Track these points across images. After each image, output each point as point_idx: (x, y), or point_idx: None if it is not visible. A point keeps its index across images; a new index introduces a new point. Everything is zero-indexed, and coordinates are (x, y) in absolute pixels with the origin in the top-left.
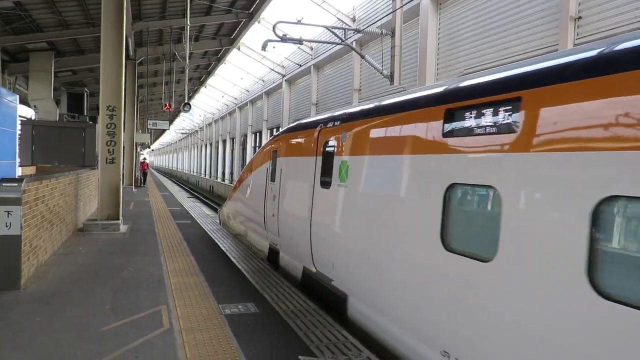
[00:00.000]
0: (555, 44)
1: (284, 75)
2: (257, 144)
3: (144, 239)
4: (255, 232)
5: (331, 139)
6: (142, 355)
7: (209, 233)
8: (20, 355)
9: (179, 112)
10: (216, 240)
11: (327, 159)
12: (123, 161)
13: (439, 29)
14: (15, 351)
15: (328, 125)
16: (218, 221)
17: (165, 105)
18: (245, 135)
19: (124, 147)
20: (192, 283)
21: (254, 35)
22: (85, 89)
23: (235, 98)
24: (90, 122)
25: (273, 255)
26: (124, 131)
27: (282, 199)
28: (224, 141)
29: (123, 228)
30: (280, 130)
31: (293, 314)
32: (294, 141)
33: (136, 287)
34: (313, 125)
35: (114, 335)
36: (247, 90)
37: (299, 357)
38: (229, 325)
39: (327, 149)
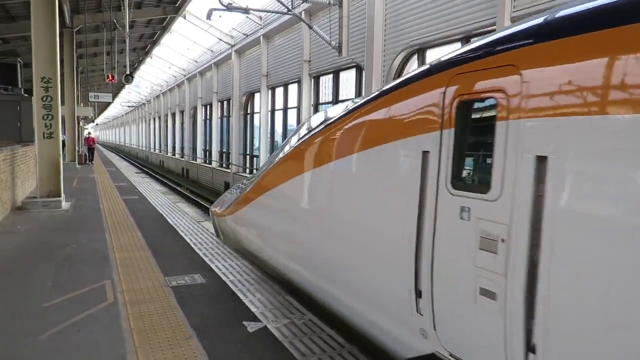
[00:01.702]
0: (494, 16)
1: (232, 46)
2: (207, 117)
3: (88, 216)
4: (359, 300)
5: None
6: (85, 328)
7: (158, 208)
8: None
9: (124, 84)
10: (165, 215)
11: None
12: (64, 136)
13: None
14: None
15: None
16: (216, 233)
17: (108, 77)
18: (195, 108)
19: (64, 121)
20: (138, 257)
21: (200, 2)
22: (19, 59)
23: (184, 69)
24: (26, 95)
25: None
26: (63, 104)
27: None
28: (173, 114)
29: (65, 205)
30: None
31: (240, 283)
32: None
33: (80, 263)
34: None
35: (56, 310)
36: (196, 61)
37: (243, 322)
38: (175, 296)
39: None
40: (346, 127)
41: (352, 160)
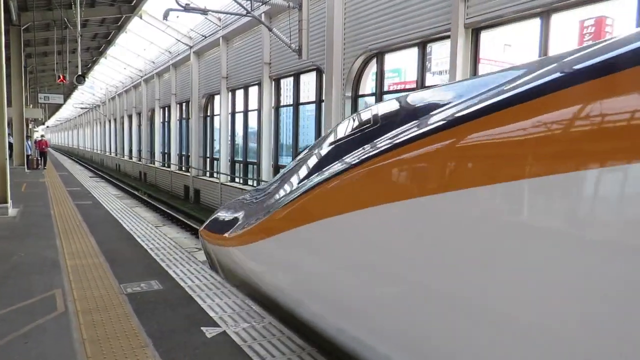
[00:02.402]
0: (449, 23)
1: (191, 47)
2: (166, 119)
3: (38, 222)
4: None
5: None
6: (33, 340)
7: (113, 213)
8: None
9: (76, 85)
10: (120, 221)
11: None
12: (11, 139)
13: (345, 3)
14: None
15: None
16: (209, 264)
17: (59, 78)
18: (153, 110)
19: (11, 123)
20: (91, 264)
21: (157, 2)
22: None
23: (140, 70)
24: None
25: None
26: (9, 105)
27: None
28: (130, 116)
29: (12, 212)
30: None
31: (198, 288)
32: None
33: (27, 272)
34: None
35: (1, 322)
36: (153, 62)
37: (202, 328)
38: (130, 304)
39: None
40: (488, 139)
41: (519, 188)
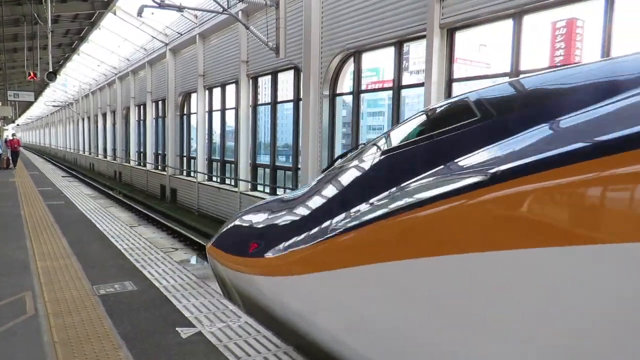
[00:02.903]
0: (424, 23)
1: (167, 44)
2: (141, 117)
3: (6, 223)
4: None
5: None
6: (1, 344)
7: (86, 213)
8: None
9: (48, 82)
10: (94, 221)
11: None
12: None
13: (322, 2)
14: None
15: None
16: (223, 292)
17: (30, 75)
18: (128, 108)
19: None
20: (62, 266)
21: None
22: None
23: (115, 67)
24: None
25: None
26: None
27: None
28: (104, 114)
29: None
30: None
31: (173, 289)
32: None
33: None
34: None
35: None
36: (128, 59)
37: (177, 328)
38: (103, 305)
39: None
40: None
41: None
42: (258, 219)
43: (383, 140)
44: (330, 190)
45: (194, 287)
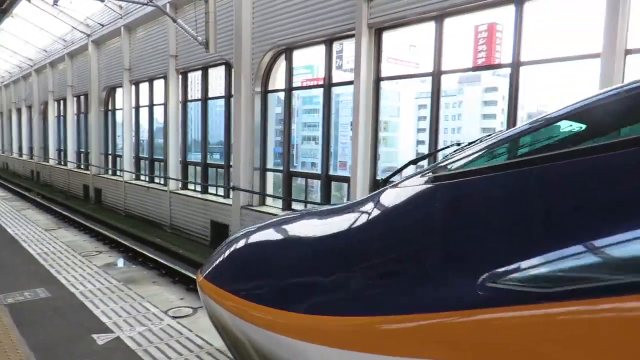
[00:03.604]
0: (353, 22)
1: (89, 35)
2: (61, 113)
3: None
4: None
5: None
6: None
7: None
8: None
9: None
10: (5, 225)
11: None
12: None
13: None
14: None
15: None
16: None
17: None
18: (46, 103)
19: None
20: None
21: None
22: None
23: (31, 59)
24: None
25: None
26: None
27: None
28: (19, 110)
29: None
30: None
31: (92, 294)
32: None
33: None
34: None
35: None
36: (45, 51)
37: (93, 335)
38: (11, 315)
39: None
40: None
41: None
42: (300, 248)
43: (517, 145)
44: (438, 224)
45: (114, 292)
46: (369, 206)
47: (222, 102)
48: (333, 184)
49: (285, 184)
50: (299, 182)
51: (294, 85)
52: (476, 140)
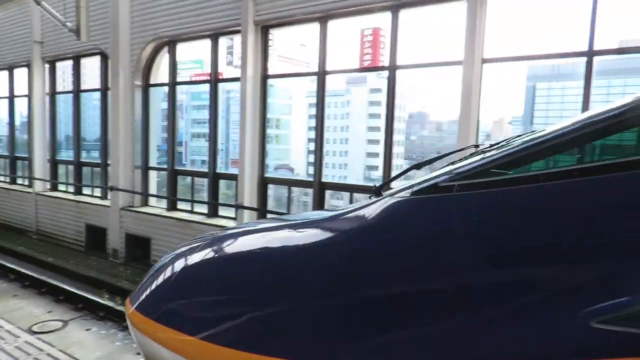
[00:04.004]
0: (239, 17)
1: None
2: None
3: None
4: None
5: None
6: None
7: None
8: None
9: None
10: None
11: None
12: None
13: None
14: None
15: None
16: None
17: None
18: None
19: None
20: None
21: None
22: None
23: None
24: None
25: None
26: None
27: None
28: None
29: None
30: None
31: None
32: None
33: None
34: None
35: None
36: None
37: None
38: None
39: None
40: None
41: None
42: (250, 272)
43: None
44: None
45: None
46: (352, 223)
47: (98, 95)
48: (222, 182)
49: (170, 182)
50: (187, 180)
51: (179, 79)
52: (500, 142)
